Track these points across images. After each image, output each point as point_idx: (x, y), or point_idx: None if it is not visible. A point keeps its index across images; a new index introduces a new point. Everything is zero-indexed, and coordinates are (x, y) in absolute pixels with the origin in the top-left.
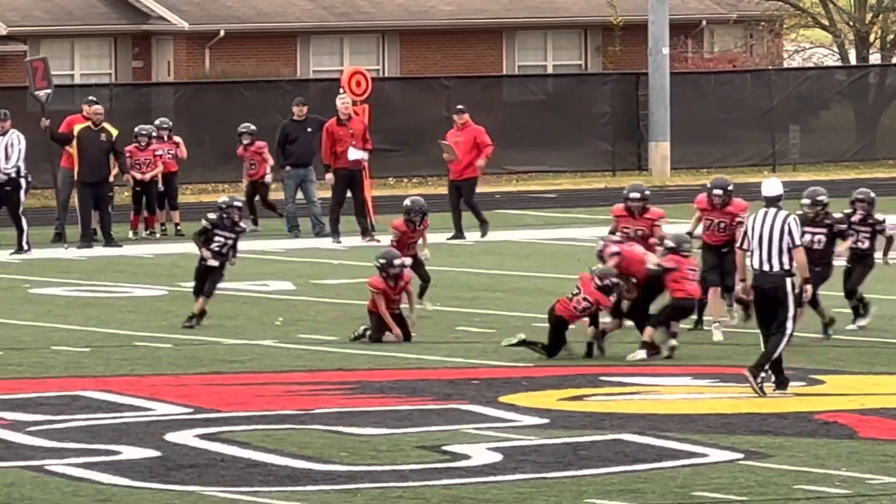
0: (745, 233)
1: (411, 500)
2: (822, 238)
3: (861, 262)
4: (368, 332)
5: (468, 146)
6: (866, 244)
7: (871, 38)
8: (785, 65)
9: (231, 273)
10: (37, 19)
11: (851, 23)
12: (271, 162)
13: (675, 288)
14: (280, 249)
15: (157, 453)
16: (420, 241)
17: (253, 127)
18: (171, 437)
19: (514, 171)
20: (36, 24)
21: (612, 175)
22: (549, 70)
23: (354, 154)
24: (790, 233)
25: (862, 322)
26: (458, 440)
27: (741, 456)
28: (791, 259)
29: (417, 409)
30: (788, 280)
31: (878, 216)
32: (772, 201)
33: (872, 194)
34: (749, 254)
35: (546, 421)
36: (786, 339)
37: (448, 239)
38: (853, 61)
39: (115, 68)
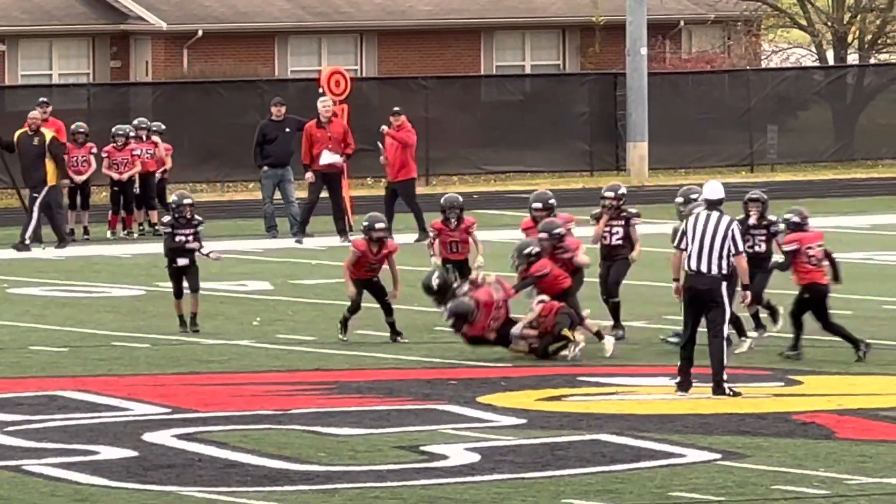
0: (684, 233)
1: (389, 501)
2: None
3: (760, 266)
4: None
5: (398, 145)
6: (763, 247)
7: (849, 38)
8: (763, 65)
9: (209, 273)
10: (15, 19)
11: (829, 23)
12: (168, 165)
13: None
14: (258, 249)
15: (134, 453)
16: (473, 248)
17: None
18: (148, 437)
19: (492, 172)
20: (14, 23)
21: (591, 175)
22: (528, 70)
23: (327, 158)
24: (733, 239)
25: (773, 329)
26: (435, 440)
27: (719, 456)
28: (729, 263)
29: (395, 409)
30: (724, 283)
31: (772, 217)
32: (713, 204)
33: (765, 195)
34: (686, 254)
35: (524, 421)
36: (725, 342)
37: None
38: (831, 62)
39: (93, 68)
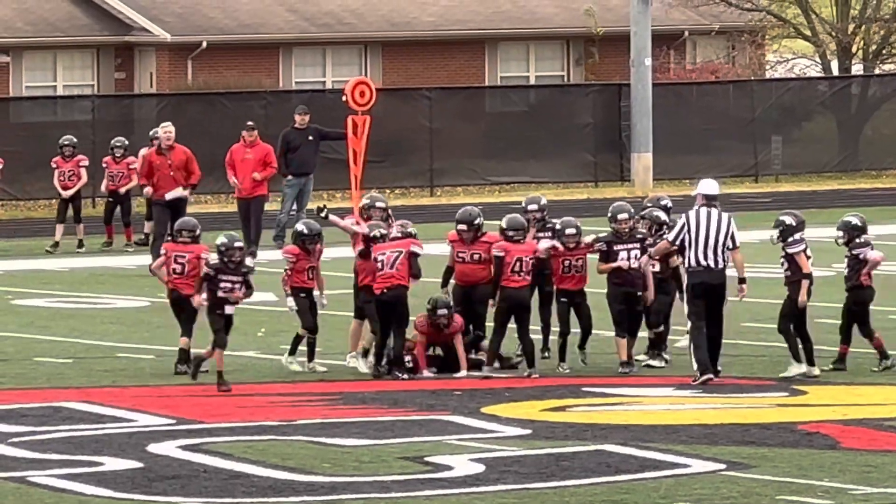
0: (683, 228)
1: None
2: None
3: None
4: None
5: (257, 164)
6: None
7: (854, 48)
8: (767, 75)
9: None
10: (19, 31)
11: (834, 33)
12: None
13: None
14: (262, 260)
15: (139, 464)
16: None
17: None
18: (153, 448)
19: (497, 182)
20: (18, 35)
21: (595, 186)
22: (532, 81)
23: (174, 193)
24: (732, 235)
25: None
26: (440, 451)
27: (723, 467)
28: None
29: (400, 419)
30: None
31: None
32: (711, 199)
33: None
34: (690, 250)
35: (528, 432)
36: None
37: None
38: (835, 72)
39: (97, 80)
